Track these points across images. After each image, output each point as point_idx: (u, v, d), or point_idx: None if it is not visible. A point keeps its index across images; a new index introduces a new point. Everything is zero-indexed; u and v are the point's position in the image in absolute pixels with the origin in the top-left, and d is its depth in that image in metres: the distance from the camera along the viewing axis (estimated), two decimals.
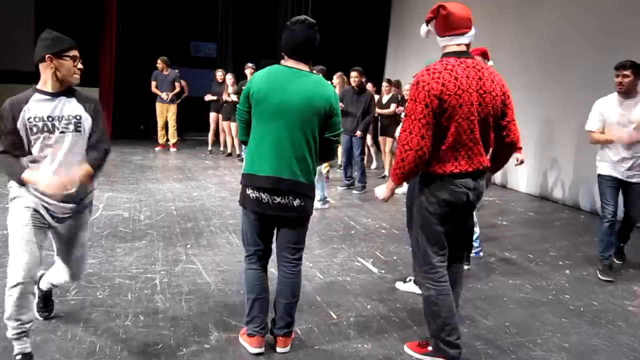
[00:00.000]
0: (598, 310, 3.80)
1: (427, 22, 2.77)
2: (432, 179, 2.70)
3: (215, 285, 3.85)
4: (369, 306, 3.64)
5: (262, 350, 2.90)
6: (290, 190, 2.73)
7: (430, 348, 2.92)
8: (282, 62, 2.86)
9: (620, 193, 4.46)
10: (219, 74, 10.34)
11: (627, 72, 4.18)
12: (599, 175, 4.49)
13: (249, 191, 2.77)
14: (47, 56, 2.54)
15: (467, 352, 2.96)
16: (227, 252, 4.58)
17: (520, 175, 8.43)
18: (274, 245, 2.96)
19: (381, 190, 2.93)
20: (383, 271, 4.35)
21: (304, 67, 2.79)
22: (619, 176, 4.38)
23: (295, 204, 2.76)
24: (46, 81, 2.59)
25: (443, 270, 2.79)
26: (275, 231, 2.92)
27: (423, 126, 2.56)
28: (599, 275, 4.44)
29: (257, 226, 2.85)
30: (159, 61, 10.18)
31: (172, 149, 10.41)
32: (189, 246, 4.69)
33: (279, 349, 2.93)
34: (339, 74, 8.29)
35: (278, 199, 2.73)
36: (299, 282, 2.95)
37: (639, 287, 4.32)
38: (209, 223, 5.46)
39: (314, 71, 2.96)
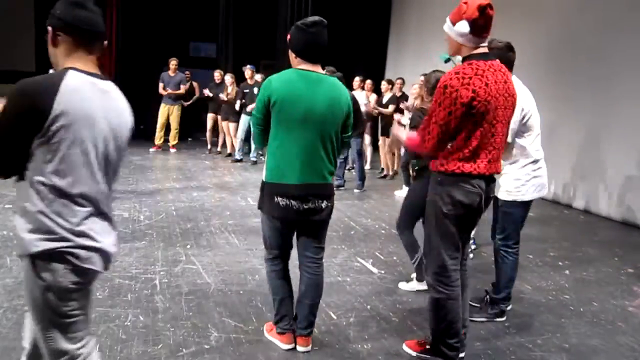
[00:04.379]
0: (598, 310, 3.80)
1: (472, 21, 2.48)
2: (447, 178, 2.62)
3: (215, 285, 3.85)
4: (369, 306, 3.64)
5: (292, 345, 2.94)
6: (321, 194, 2.77)
7: (428, 347, 2.92)
8: (299, 65, 2.73)
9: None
10: (217, 74, 10.34)
11: None
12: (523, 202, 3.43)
13: (278, 199, 2.72)
14: None
15: (466, 352, 2.96)
16: (227, 253, 4.58)
17: None
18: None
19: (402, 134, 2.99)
20: (383, 271, 4.35)
21: (320, 70, 2.77)
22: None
23: (323, 206, 2.81)
24: None
25: (455, 275, 2.72)
26: (296, 232, 2.93)
27: (442, 132, 2.54)
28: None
29: (283, 231, 2.85)
30: (173, 62, 10.05)
31: (172, 150, 10.41)
32: (188, 246, 4.68)
33: (301, 348, 2.95)
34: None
35: (309, 204, 2.75)
36: (322, 282, 2.98)
37: (638, 287, 4.32)
38: (208, 223, 5.46)
39: (327, 72, 2.95)
